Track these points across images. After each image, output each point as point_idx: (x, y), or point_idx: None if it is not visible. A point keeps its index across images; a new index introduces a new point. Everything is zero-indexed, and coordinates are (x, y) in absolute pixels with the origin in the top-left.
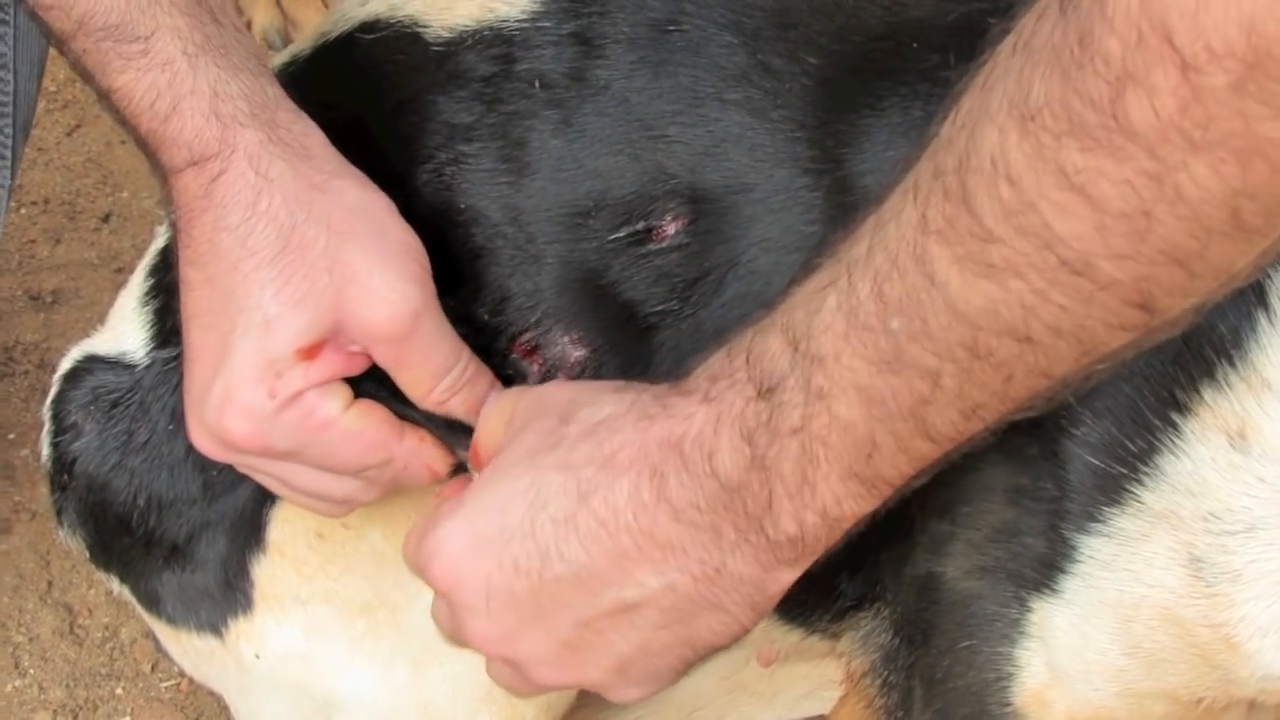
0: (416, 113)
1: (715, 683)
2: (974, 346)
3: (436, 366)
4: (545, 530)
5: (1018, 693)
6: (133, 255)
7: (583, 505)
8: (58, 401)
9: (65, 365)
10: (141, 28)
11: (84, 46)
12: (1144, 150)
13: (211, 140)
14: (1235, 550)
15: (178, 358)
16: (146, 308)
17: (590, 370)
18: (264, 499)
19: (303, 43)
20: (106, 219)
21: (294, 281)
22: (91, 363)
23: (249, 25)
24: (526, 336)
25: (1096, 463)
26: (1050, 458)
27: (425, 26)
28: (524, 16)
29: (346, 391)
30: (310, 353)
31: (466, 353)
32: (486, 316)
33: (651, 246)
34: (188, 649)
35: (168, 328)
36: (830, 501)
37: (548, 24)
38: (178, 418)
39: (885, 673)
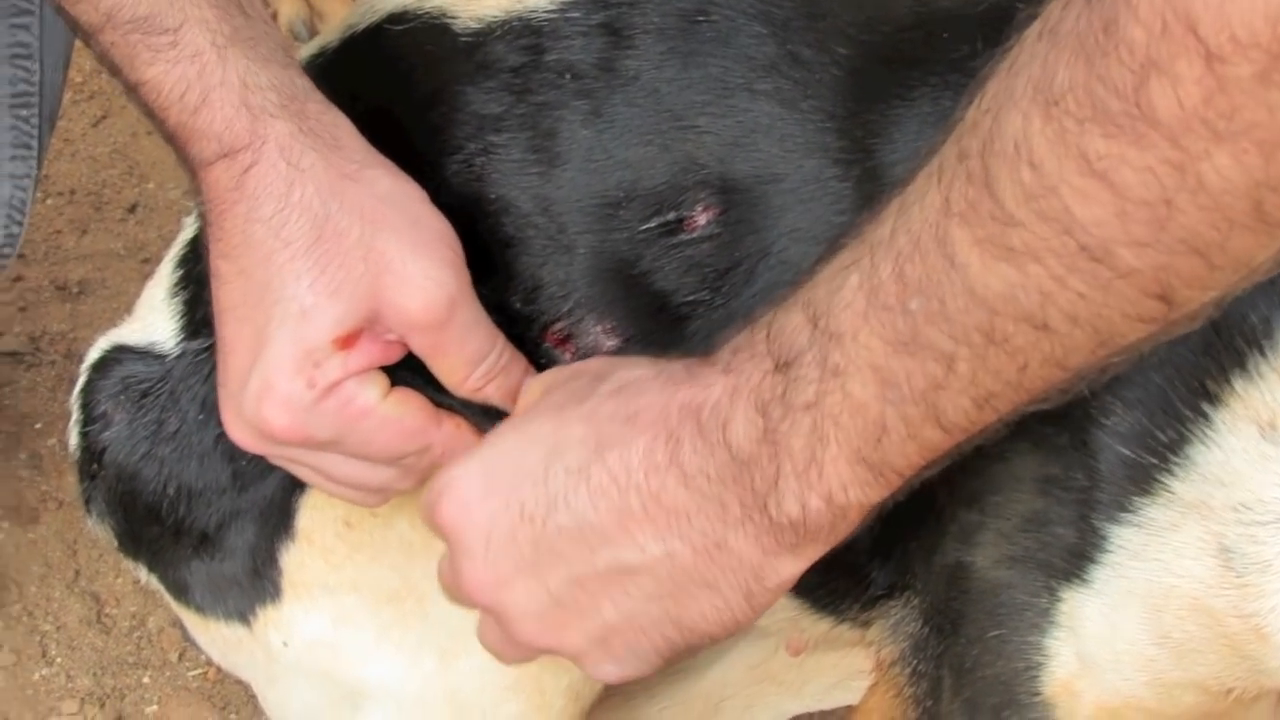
0: (445, 103)
1: (743, 672)
2: (990, 331)
3: (472, 353)
4: (558, 479)
5: (1047, 682)
6: (159, 246)
7: (598, 458)
8: (87, 391)
9: (93, 355)
10: (170, 20)
11: (112, 39)
12: (1167, 138)
13: (242, 132)
14: (1266, 541)
15: (208, 349)
16: (176, 298)
17: None
18: (293, 488)
19: (330, 34)
20: (133, 209)
21: (329, 271)
22: (120, 353)
23: (275, 17)
24: (559, 326)
25: (1127, 453)
26: (1080, 447)
27: (454, 17)
28: (553, 7)
29: (384, 380)
30: (347, 342)
31: (501, 339)
32: (518, 305)
33: (683, 237)
34: (215, 637)
35: (198, 318)
36: (836, 485)
37: (577, 14)
38: (208, 407)
39: (914, 661)
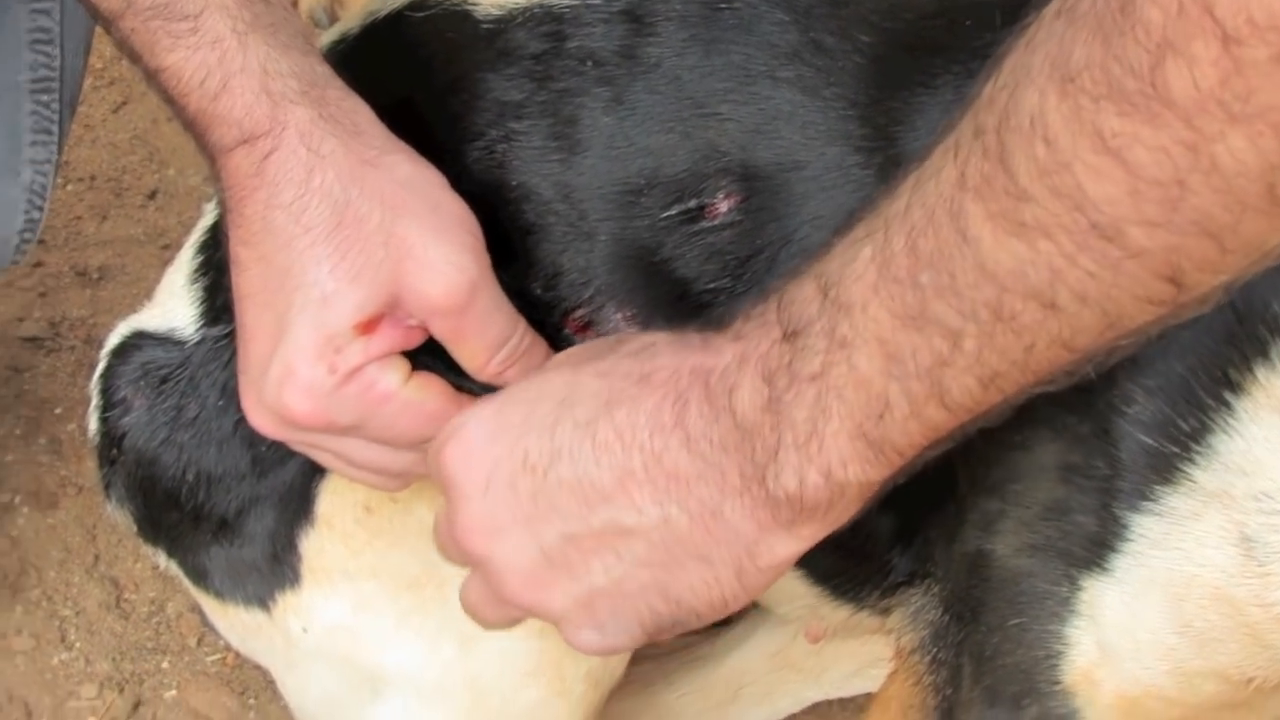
0: (467, 90)
1: (762, 660)
2: (998, 308)
3: (493, 338)
4: (565, 431)
5: (1067, 671)
6: (179, 232)
7: (606, 414)
8: (106, 376)
9: (113, 340)
10: (190, 6)
11: (132, 26)
12: (1181, 119)
13: (262, 118)
14: None
15: (228, 335)
16: (196, 285)
17: None
18: (312, 473)
19: (350, 21)
20: (153, 196)
21: (350, 257)
22: (140, 338)
23: (295, 4)
24: (580, 313)
25: (1149, 441)
26: (1102, 436)
27: (475, 4)
28: None
29: (405, 364)
30: (368, 327)
31: (523, 324)
32: (539, 292)
33: (704, 224)
34: (234, 623)
35: (218, 305)
36: (835, 460)
37: (598, 1)
38: (227, 394)
39: (934, 649)
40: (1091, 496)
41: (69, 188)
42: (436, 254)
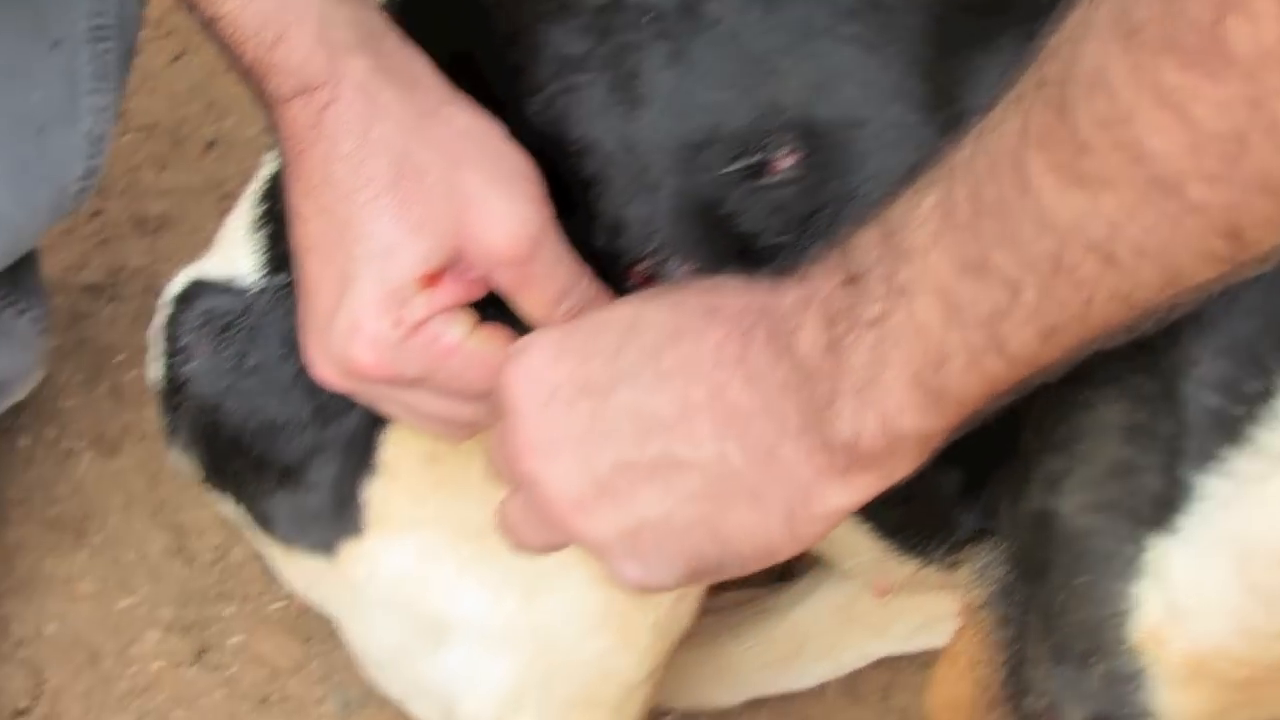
0: (527, 44)
1: (828, 614)
2: (1058, 260)
3: (558, 288)
4: (630, 357)
5: (1134, 629)
6: (238, 182)
7: (673, 343)
8: (169, 324)
9: (175, 288)
10: None
11: None
12: (1242, 75)
13: (319, 68)
14: None
15: (290, 284)
16: (258, 233)
17: None
18: (375, 422)
19: None
20: (211, 145)
21: (412, 209)
22: (202, 287)
23: None
24: (643, 265)
25: (1214, 402)
26: (1168, 396)
27: None
28: None
29: (470, 316)
30: (432, 280)
31: (587, 274)
32: (602, 244)
33: (766, 180)
34: (299, 570)
35: (279, 254)
36: (892, 408)
37: None
38: (289, 342)
39: (1001, 606)
40: (1157, 457)
41: (127, 137)
42: (499, 204)
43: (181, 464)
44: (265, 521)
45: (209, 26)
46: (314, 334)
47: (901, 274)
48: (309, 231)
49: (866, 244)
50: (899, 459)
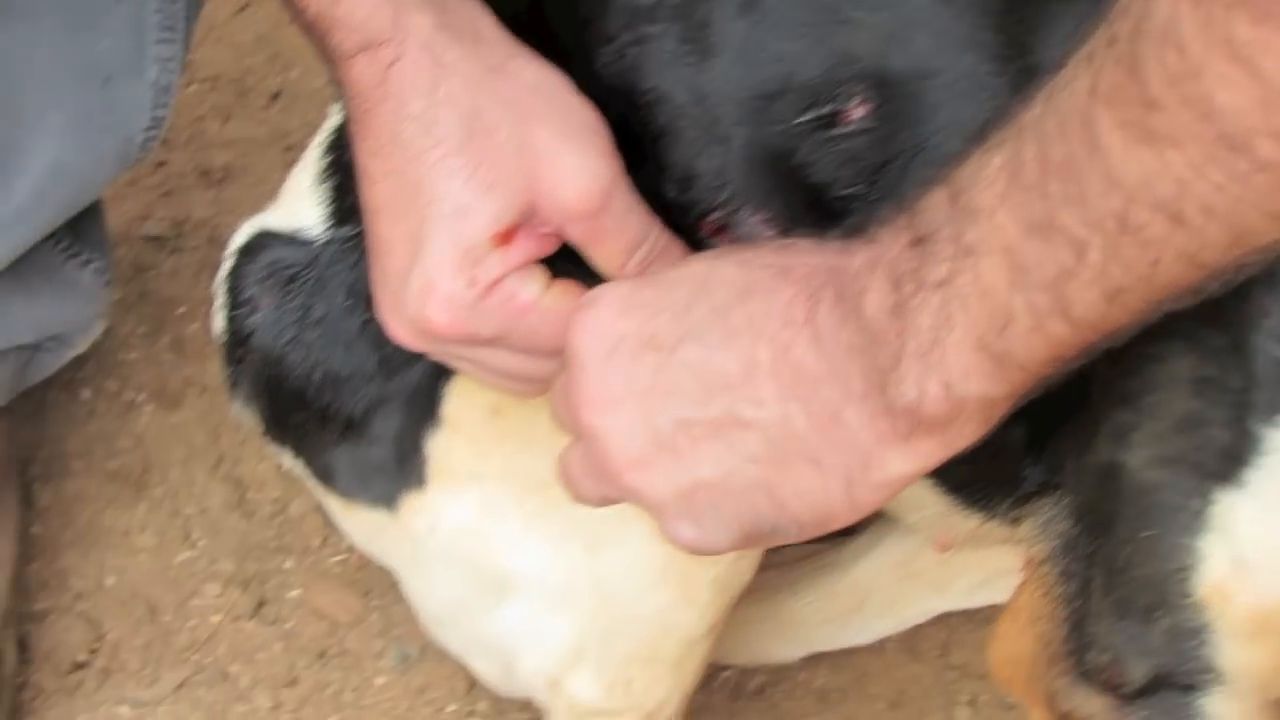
0: None
1: (889, 569)
2: (1125, 218)
3: (630, 239)
4: (698, 313)
5: (1199, 584)
6: (302, 134)
7: (742, 301)
8: (233, 275)
9: (239, 240)
10: None
11: None
12: None
13: (384, 24)
14: None
15: (356, 236)
16: (323, 185)
17: None
18: (439, 375)
19: None
20: (276, 97)
21: (483, 167)
22: (267, 238)
23: None
24: (715, 215)
25: None
26: (1237, 349)
27: None
28: None
29: (544, 273)
30: (505, 238)
31: (658, 225)
32: (673, 195)
33: (837, 130)
34: (360, 523)
35: (345, 206)
36: (956, 372)
37: None
38: (355, 294)
39: (1065, 561)
40: (1225, 410)
41: (192, 88)
42: (569, 159)
43: (243, 417)
44: (326, 475)
45: None
46: (387, 295)
47: (968, 235)
48: (379, 192)
49: (934, 205)
50: (962, 425)
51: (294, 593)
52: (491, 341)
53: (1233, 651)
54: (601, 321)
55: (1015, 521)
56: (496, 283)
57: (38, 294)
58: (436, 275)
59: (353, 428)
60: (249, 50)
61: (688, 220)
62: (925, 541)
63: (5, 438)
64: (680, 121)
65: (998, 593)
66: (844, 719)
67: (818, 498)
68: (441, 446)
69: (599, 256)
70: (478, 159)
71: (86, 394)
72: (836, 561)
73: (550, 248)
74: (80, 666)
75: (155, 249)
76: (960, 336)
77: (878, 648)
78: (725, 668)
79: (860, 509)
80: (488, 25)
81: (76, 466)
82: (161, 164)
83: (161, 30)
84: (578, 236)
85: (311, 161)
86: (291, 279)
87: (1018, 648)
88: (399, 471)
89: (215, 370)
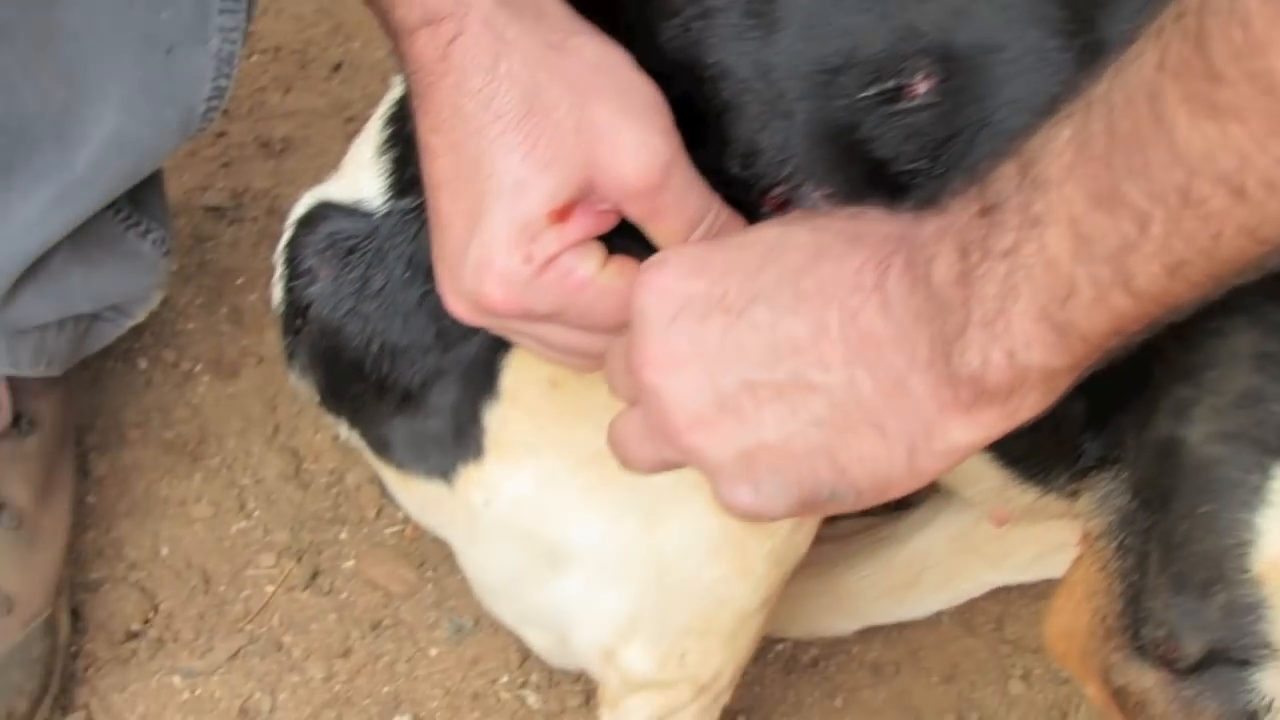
0: None
1: (945, 543)
2: (1187, 192)
3: (690, 216)
4: (769, 277)
5: (1256, 560)
6: (363, 105)
7: (814, 265)
8: (292, 246)
9: (299, 210)
10: None
11: None
12: None
13: (445, 0)
14: None
15: (416, 208)
16: (384, 156)
17: None
18: (497, 347)
19: None
20: (337, 68)
21: (542, 144)
22: (327, 209)
23: None
24: (778, 191)
25: None
26: None
27: None
28: None
29: (601, 250)
30: (562, 214)
31: (717, 201)
32: (736, 170)
33: (902, 105)
34: (416, 495)
35: (406, 177)
36: (1020, 342)
37: None
38: (414, 265)
39: (1122, 535)
40: None
41: (253, 59)
42: (628, 136)
43: (300, 387)
44: (382, 446)
45: None
46: (446, 269)
47: (1036, 205)
48: (439, 167)
49: (1004, 175)
50: (1024, 397)
51: (348, 563)
52: (547, 317)
53: None
54: (669, 282)
55: (1073, 496)
56: (553, 259)
57: (97, 264)
58: (493, 251)
59: (409, 399)
60: (311, 21)
61: (750, 196)
62: (982, 515)
63: (62, 407)
64: (744, 96)
65: (1054, 567)
66: (897, 692)
67: (879, 464)
68: (499, 419)
69: (659, 233)
70: (536, 135)
71: (144, 364)
72: (893, 535)
73: (608, 224)
74: (134, 636)
75: (214, 219)
76: (1024, 306)
77: (932, 621)
78: (779, 641)
79: (920, 477)
80: (549, 1)
81: (133, 436)
82: (222, 135)
83: (224, 0)
84: (637, 213)
85: (373, 133)
86: (351, 250)
87: (1073, 622)
88: (456, 443)
89: (273, 341)
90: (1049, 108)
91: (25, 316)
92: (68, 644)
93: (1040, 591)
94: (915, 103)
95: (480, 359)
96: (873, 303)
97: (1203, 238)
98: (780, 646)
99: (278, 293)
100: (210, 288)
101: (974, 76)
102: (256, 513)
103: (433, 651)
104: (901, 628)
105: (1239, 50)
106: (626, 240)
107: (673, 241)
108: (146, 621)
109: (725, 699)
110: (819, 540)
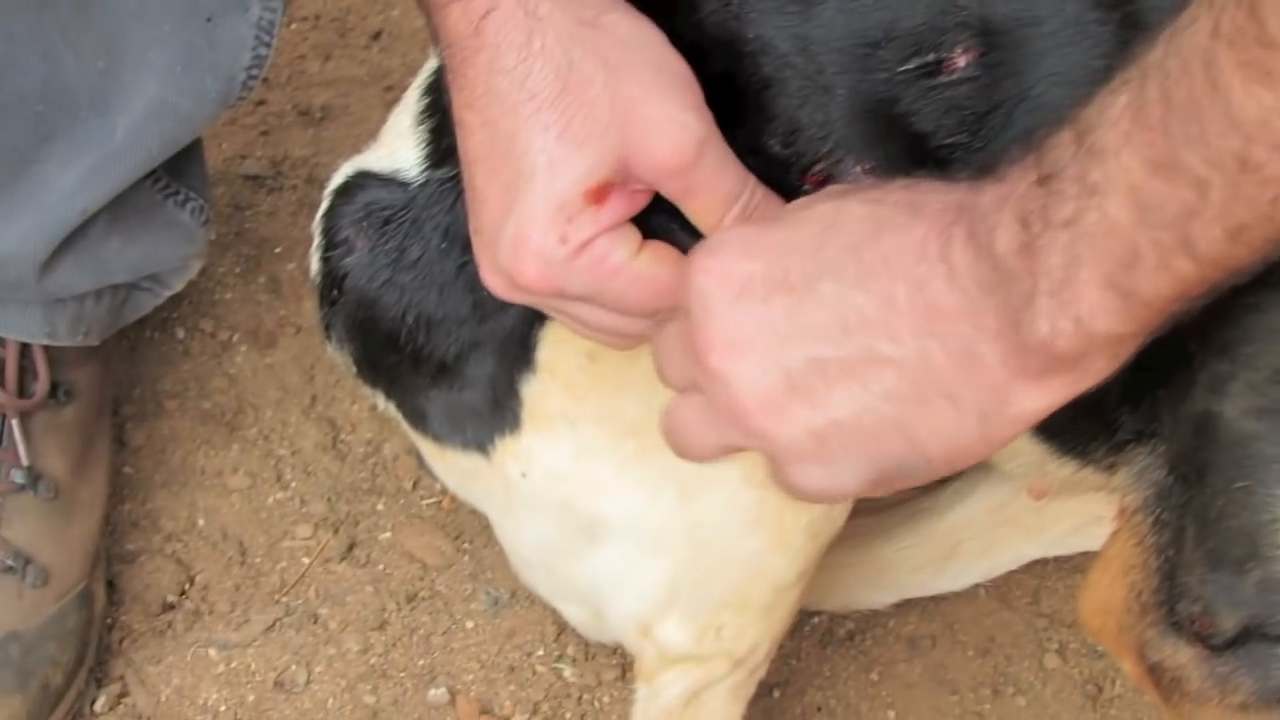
0: None
1: (983, 515)
2: (1245, 158)
3: (725, 194)
4: (829, 252)
5: None
6: (402, 74)
7: (875, 238)
8: (329, 216)
9: (337, 180)
10: None
11: None
12: None
13: None
14: None
15: (453, 178)
16: (422, 126)
17: None
18: (533, 320)
19: None
20: (377, 36)
21: (576, 122)
22: (364, 179)
23: None
24: (819, 167)
25: None
26: None
27: None
28: None
29: (636, 235)
30: (598, 195)
31: (753, 179)
32: (777, 148)
33: (942, 79)
34: (452, 466)
35: (443, 147)
36: (1086, 310)
37: None
38: (451, 236)
39: (1158, 510)
40: None
41: (293, 27)
42: (662, 113)
43: (337, 358)
44: (419, 418)
45: None
46: (482, 244)
47: (1093, 174)
48: (474, 143)
49: (1060, 144)
50: (1092, 363)
51: (385, 535)
52: (582, 298)
53: None
54: (726, 265)
55: (1110, 469)
56: (588, 243)
57: (136, 233)
58: (529, 229)
59: (446, 371)
60: None
61: (791, 175)
62: (1020, 488)
63: (100, 378)
64: (784, 71)
65: (1090, 540)
66: (933, 665)
67: (953, 434)
68: (536, 391)
69: (695, 211)
70: (571, 114)
71: (181, 334)
72: (931, 507)
73: (641, 204)
74: (170, 608)
75: (253, 188)
76: (1089, 275)
77: (968, 594)
78: (815, 614)
79: (993, 445)
80: None
81: (170, 407)
82: (261, 103)
83: None
84: (673, 192)
85: (411, 102)
86: (387, 220)
87: (1109, 597)
88: (492, 415)
89: (310, 310)
90: (1106, 75)
91: (63, 286)
92: (103, 616)
93: (1076, 565)
94: (955, 76)
95: (517, 331)
96: (939, 273)
97: (1261, 202)
98: (816, 620)
99: (314, 263)
100: (248, 256)
101: (1013, 50)
102: (293, 484)
103: (469, 624)
104: (938, 601)
105: None
106: (665, 218)
107: (711, 219)
108: (182, 593)
109: (761, 672)
110: (856, 513)
